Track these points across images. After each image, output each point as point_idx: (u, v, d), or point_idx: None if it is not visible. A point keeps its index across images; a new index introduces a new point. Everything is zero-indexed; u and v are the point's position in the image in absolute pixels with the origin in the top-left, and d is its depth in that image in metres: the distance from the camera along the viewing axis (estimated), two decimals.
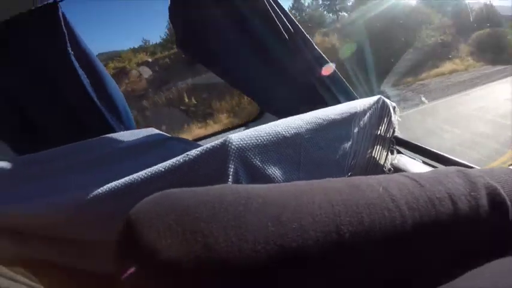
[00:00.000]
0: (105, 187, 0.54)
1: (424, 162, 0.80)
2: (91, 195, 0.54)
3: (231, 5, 0.79)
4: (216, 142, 0.56)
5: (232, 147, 0.55)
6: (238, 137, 0.56)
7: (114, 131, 1.00)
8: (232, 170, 0.55)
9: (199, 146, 0.95)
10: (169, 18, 0.88)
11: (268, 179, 0.60)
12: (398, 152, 0.85)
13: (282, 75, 0.90)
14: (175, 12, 0.82)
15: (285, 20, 0.82)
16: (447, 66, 7.28)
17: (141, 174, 0.54)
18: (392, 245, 0.26)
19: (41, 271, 0.65)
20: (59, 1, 0.87)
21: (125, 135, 0.89)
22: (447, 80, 6.83)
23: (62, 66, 0.91)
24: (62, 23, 0.89)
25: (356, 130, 0.77)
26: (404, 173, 0.44)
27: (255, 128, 0.60)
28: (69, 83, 0.93)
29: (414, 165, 0.81)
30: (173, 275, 0.24)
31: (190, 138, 1.08)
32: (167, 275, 0.24)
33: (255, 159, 0.58)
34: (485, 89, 5.99)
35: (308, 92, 0.89)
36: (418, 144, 0.79)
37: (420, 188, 0.29)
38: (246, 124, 1.16)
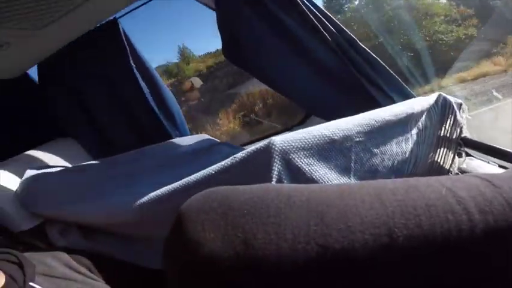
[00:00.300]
0: (165, 189, 0.61)
1: (500, 166, 0.67)
2: (155, 197, 0.62)
3: (267, 10, 0.80)
4: (261, 144, 0.56)
5: (276, 149, 0.55)
6: (282, 139, 0.56)
7: (170, 137, 1.09)
8: (275, 172, 0.55)
9: (242, 148, 0.99)
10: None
11: (315, 183, 0.58)
12: (468, 155, 0.74)
13: (326, 75, 0.87)
14: (220, 22, 0.87)
15: (324, 19, 0.80)
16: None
17: (195, 176, 0.58)
18: (457, 252, 0.23)
19: (104, 266, 0.71)
20: (119, 17, 0.99)
21: (181, 141, 0.97)
22: None
23: (126, 78, 1.03)
24: (123, 38, 1.01)
25: (414, 132, 0.70)
26: (473, 173, 0.38)
27: (301, 130, 0.58)
28: (133, 93, 1.04)
29: (488, 168, 0.69)
30: (213, 268, 0.25)
31: None
32: (208, 268, 0.25)
33: (300, 162, 0.56)
34: None
35: (357, 92, 0.85)
36: (492, 145, 0.67)
37: (494, 189, 0.25)
38: (291, 128, 1.14)
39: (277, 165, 0.56)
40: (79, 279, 0.66)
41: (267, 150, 0.56)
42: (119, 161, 0.96)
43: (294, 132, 0.59)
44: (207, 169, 0.59)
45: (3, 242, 0.82)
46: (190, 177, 0.59)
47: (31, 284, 0.58)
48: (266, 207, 0.26)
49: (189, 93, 7.95)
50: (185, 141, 0.99)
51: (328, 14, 0.82)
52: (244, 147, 1.09)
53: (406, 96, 0.85)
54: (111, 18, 0.96)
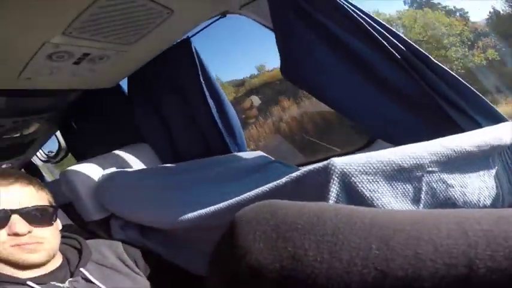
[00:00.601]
0: (223, 204, 0.64)
1: None
2: (212, 210, 0.66)
3: (326, 29, 0.78)
4: (319, 165, 0.54)
5: (336, 170, 0.51)
6: (343, 161, 0.52)
7: (230, 151, 1.15)
8: (333, 195, 0.52)
9: (296, 168, 0.97)
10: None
11: None
12: None
13: (394, 95, 0.80)
14: (279, 41, 0.88)
15: (389, 34, 0.74)
16: None
17: (252, 193, 0.60)
18: None
19: (151, 263, 0.77)
20: (191, 36, 1.10)
21: (240, 156, 1.01)
22: None
23: (196, 93, 1.12)
24: (195, 56, 1.11)
25: (504, 166, 0.59)
26: None
27: (365, 153, 0.54)
28: (201, 108, 1.13)
29: None
30: (257, 279, 0.25)
31: None
32: (252, 277, 0.25)
33: (362, 188, 0.52)
34: None
35: (432, 114, 0.76)
36: None
37: None
38: (353, 152, 1.08)
39: (335, 188, 0.52)
40: (124, 272, 0.72)
41: (326, 171, 0.53)
42: (184, 169, 1.04)
43: (357, 155, 0.56)
44: (263, 187, 0.60)
45: (74, 228, 0.96)
46: (247, 194, 0.60)
47: (81, 269, 0.65)
48: (322, 225, 0.25)
49: (248, 111, 8.33)
50: (243, 156, 1.03)
51: (394, 30, 0.77)
52: (300, 167, 1.08)
53: (496, 119, 0.73)
54: (185, 37, 1.07)
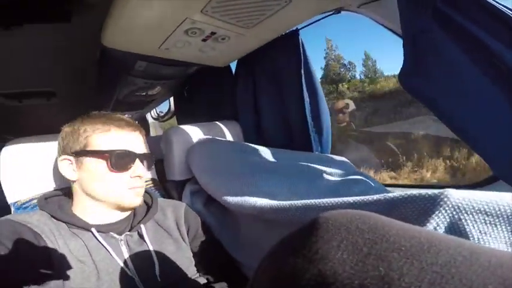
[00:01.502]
0: (301, 202, 0.63)
1: None
2: (285, 204, 0.66)
3: (466, 32, 0.63)
4: (429, 191, 0.49)
5: (448, 202, 0.46)
6: (461, 195, 0.46)
7: (311, 148, 1.13)
8: (431, 226, 0.46)
9: (383, 187, 0.87)
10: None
11: None
12: None
13: None
14: (406, 47, 0.77)
15: None
16: None
17: (338, 200, 0.57)
18: None
19: (202, 238, 0.80)
20: (299, 29, 1.10)
21: (323, 158, 0.97)
22: None
23: (293, 84, 1.13)
24: (301, 48, 1.11)
25: None
26: None
27: (486, 192, 0.46)
28: (295, 99, 1.14)
29: None
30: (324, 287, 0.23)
31: None
32: (318, 285, 0.23)
33: (472, 227, 0.45)
34: None
35: None
36: None
37: None
38: (471, 187, 0.89)
39: (438, 220, 0.46)
40: (174, 236, 0.73)
41: (435, 200, 0.47)
42: (267, 154, 1.07)
43: (477, 191, 0.47)
44: (354, 197, 0.57)
45: (156, 183, 1.08)
46: (335, 199, 0.58)
47: (141, 225, 0.69)
48: (434, 254, 0.22)
49: (340, 114, 7.93)
50: (327, 159, 0.99)
51: None
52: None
53: None
54: (294, 28, 1.08)
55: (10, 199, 0.78)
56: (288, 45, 1.12)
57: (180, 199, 1.10)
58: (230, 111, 1.40)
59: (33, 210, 0.73)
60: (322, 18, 0.99)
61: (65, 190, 0.73)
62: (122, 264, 0.61)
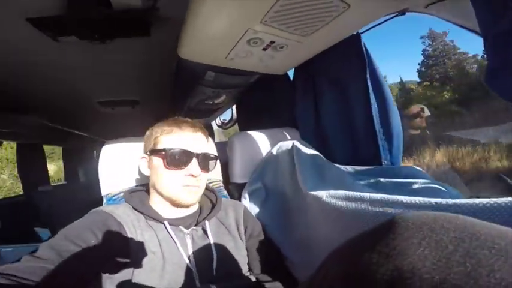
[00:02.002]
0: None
1: None
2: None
3: None
4: None
5: None
6: None
7: (379, 157, 1.04)
8: None
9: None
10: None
11: None
12: None
13: None
14: (488, 47, 0.67)
15: None
16: None
17: (431, 200, 0.53)
18: None
19: (257, 238, 0.81)
20: (361, 33, 1.04)
21: (396, 171, 0.90)
22: None
23: (359, 90, 1.07)
24: (364, 52, 1.05)
25: None
26: None
27: None
28: (360, 105, 1.08)
29: None
30: (399, 281, 0.23)
31: None
32: (392, 278, 0.24)
33: None
34: None
35: None
36: None
37: None
38: None
39: None
40: (233, 234, 0.76)
41: None
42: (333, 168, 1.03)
43: None
44: (447, 200, 0.52)
45: (219, 185, 1.13)
46: (426, 198, 0.54)
47: (206, 221, 0.72)
48: None
49: (414, 120, 7.08)
50: (400, 172, 0.91)
51: None
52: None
53: None
54: (355, 32, 1.04)
55: (104, 191, 0.92)
56: (350, 50, 1.08)
57: (240, 200, 1.16)
58: (289, 119, 1.41)
59: (120, 202, 0.84)
60: (385, 21, 0.95)
61: (146, 186, 0.80)
62: (184, 256, 0.66)
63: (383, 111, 1.02)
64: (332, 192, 0.75)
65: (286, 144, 1.20)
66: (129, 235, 0.64)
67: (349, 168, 1.02)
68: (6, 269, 0.47)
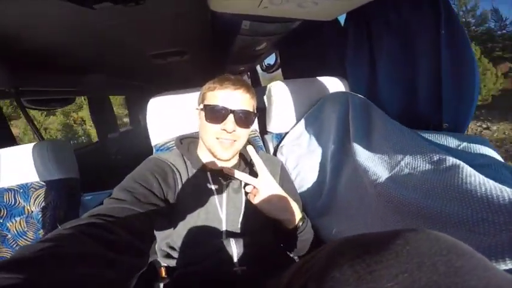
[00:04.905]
0: None
1: None
2: None
3: None
4: None
5: None
6: None
7: (440, 122, 0.89)
8: None
9: None
10: None
11: None
12: None
13: None
14: None
15: None
16: None
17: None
18: None
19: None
20: None
21: (458, 138, 0.77)
22: None
23: (427, 37, 0.89)
24: (441, 2, 0.83)
25: None
26: None
27: None
28: (427, 55, 0.90)
29: None
30: None
31: None
32: None
33: None
34: None
35: None
36: None
37: None
38: None
39: None
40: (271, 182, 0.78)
41: None
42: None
43: None
44: None
45: (255, 135, 1.12)
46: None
47: (242, 173, 0.74)
48: None
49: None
50: (451, 139, 0.78)
51: None
52: None
53: None
54: None
55: (153, 141, 0.99)
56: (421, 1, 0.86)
57: (275, 151, 1.17)
58: (338, 67, 1.26)
59: (169, 150, 0.92)
60: None
61: (196, 135, 0.84)
62: (218, 206, 0.71)
63: (456, 67, 0.82)
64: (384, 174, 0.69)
65: (338, 96, 1.10)
66: (178, 179, 0.71)
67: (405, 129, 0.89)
68: (96, 211, 0.51)
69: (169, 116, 1.00)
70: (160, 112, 1.00)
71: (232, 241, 0.68)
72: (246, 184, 0.75)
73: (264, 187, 0.71)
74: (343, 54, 1.20)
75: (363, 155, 0.85)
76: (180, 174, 0.72)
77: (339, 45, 1.23)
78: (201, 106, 0.74)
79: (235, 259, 0.66)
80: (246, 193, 0.75)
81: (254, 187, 0.72)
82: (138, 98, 3.34)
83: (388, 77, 1.06)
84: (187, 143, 0.82)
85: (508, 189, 0.52)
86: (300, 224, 0.73)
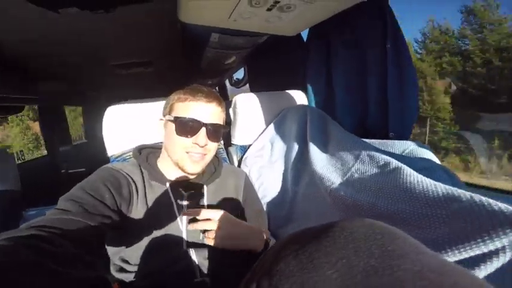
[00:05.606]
0: None
1: None
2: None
3: None
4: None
5: None
6: None
7: (386, 130, 0.99)
8: (495, 247, 0.44)
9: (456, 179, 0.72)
10: None
11: None
12: None
13: None
14: None
15: None
16: None
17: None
18: None
19: (251, 207, 0.84)
20: None
21: (401, 145, 0.85)
22: None
23: (376, 54, 0.99)
24: (388, 13, 0.93)
25: None
26: None
27: None
28: (375, 70, 0.99)
29: None
30: None
31: None
32: None
33: None
34: None
35: None
36: None
37: None
38: None
39: (510, 244, 0.43)
40: (230, 201, 0.80)
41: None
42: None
43: None
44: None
45: (220, 148, 1.13)
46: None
47: (204, 186, 0.76)
48: None
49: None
50: (395, 146, 0.87)
51: None
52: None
53: None
54: None
55: (109, 152, 0.95)
56: (371, 11, 0.96)
57: (239, 163, 1.19)
58: (300, 81, 1.35)
59: (126, 161, 0.86)
60: None
61: (156, 145, 0.83)
62: (178, 219, 0.68)
63: (400, 81, 0.94)
64: (337, 179, 0.74)
65: (298, 108, 1.17)
66: (135, 192, 0.68)
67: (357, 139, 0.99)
68: (36, 222, 0.47)
69: (127, 126, 0.97)
70: (118, 121, 0.96)
71: (192, 251, 0.67)
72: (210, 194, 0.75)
73: (220, 225, 0.66)
74: (304, 69, 1.29)
75: (319, 164, 0.91)
76: (136, 186, 0.69)
77: (301, 61, 1.32)
78: (169, 117, 0.71)
79: (196, 270, 0.64)
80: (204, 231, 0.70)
81: (208, 231, 0.67)
82: (96, 109, 3.18)
83: (342, 92, 1.15)
84: (146, 153, 0.79)
85: (441, 185, 0.58)
86: (263, 248, 0.71)
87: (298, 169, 1.03)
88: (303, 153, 1.04)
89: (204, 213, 0.66)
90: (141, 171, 0.73)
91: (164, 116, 0.75)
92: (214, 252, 0.67)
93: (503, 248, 0.44)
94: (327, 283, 0.24)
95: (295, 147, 1.08)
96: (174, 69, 1.93)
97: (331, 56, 1.18)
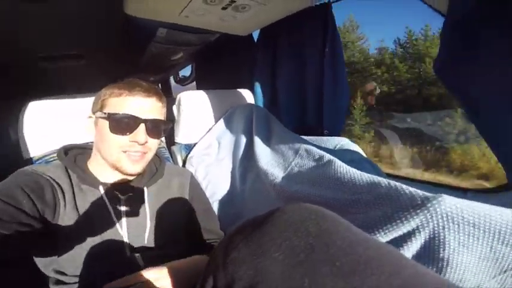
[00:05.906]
0: None
1: None
2: None
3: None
4: (425, 193, 0.49)
5: (438, 208, 0.46)
6: (454, 203, 0.45)
7: (321, 128, 1.10)
8: (411, 227, 0.49)
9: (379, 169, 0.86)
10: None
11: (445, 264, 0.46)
12: None
13: None
14: (447, 31, 0.66)
15: None
16: None
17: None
18: None
19: (200, 205, 0.81)
20: (332, 2, 1.02)
21: (330, 142, 0.96)
22: None
23: (315, 59, 1.08)
24: (330, 23, 1.03)
25: None
26: None
27: (485, 205, 0.45)
28: (313, 72, 1.09)
29: None
30: None
31: None
32: (254, 282, 0.26)
33: (453, 237, 0.45)
34: None
35: None
36: None
37: None
38: (468, 191, 0.84)
39: (422, 222, 0.48)
40: (175, 203, 0.75)
41: (427, 202, 0.47)
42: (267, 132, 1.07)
43: (478, 203, 0.46)
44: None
45: (161, 146, 1.08)
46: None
47: (145, 188, 0.71)
48: (364, 278, 0.25)
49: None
50: (329, 142, 0.97)
51: None
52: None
53: None
54: (326, 1, 1.01)
55: (30, 154, 0.83)
56: (317, 18, 1.04)
57: (184, 162, 1.15)
58: (247, 81, 1.39)
59: (49, 164, 0.74)
60: None
61: (86, 146, 0.74)
62: (117, 224, 0.63)
63: (334, 84, 1.06)
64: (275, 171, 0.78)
65: (244, 107, 1.19)
66: (61, 197, 0.61)
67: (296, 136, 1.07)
68: None
69: (51, 124, 0.86)
70: (40, 119, 0.84)
71: (138, 256, 0.63)
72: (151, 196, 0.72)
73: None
74: (253, 69, 1.34)
75: (263, 160, 0.95)
76: (62, 190, 0.62)
77: (251, 61, 1.36)
78: (101, 114, 0.64)
79: None
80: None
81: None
82: (15, 106, 2.63)
83: (285, 92, 1.24)
84: (74, 154, 0.70)
85: (366, 174, 0.67)
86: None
87: (245, 166, 1.06)
88: (249, 151, 1.08)
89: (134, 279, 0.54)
90: (69, 174, 0.65)
91: (94, 113, 0.67)
92: (163, 254, 0.64)
93: (418, 228, 0.49)
94: (275, 264, 0.26)
95: (242, 145, 1.11)
96: (112, 65, 1.74)
97: (277, 58, 1.25)
